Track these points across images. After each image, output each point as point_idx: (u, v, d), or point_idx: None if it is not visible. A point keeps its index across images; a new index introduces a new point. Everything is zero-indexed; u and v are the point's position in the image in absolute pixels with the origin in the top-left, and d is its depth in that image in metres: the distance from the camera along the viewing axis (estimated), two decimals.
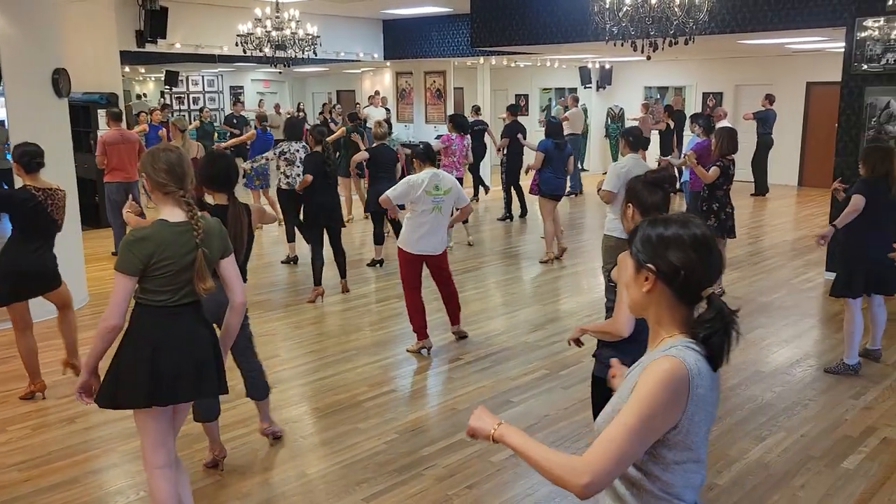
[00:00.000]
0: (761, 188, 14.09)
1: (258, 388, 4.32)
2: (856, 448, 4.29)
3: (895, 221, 5.14)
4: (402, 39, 14.37)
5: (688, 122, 11.97)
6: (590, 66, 17.45)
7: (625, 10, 5.76)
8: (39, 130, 6.73)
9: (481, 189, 13.57)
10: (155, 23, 11.36)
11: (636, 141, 6.34)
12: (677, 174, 11.65)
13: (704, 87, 16.55)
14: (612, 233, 6.08)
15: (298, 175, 8.25)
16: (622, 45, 6.09)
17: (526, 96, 19.57)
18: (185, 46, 12.09)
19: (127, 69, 20.05)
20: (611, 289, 3.32)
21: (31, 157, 4.81)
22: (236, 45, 9.67)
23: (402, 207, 6.19)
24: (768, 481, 3.95)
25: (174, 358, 2.99)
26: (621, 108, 17.55)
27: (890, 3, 7.35)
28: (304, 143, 8.45)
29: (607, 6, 5.87)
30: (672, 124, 12.90)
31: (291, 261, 8.93)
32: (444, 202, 5.70)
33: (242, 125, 17.15)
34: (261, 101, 21.32)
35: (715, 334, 1.66)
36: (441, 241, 5.85)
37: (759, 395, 5.03)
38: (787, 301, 7.26)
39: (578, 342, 3.32)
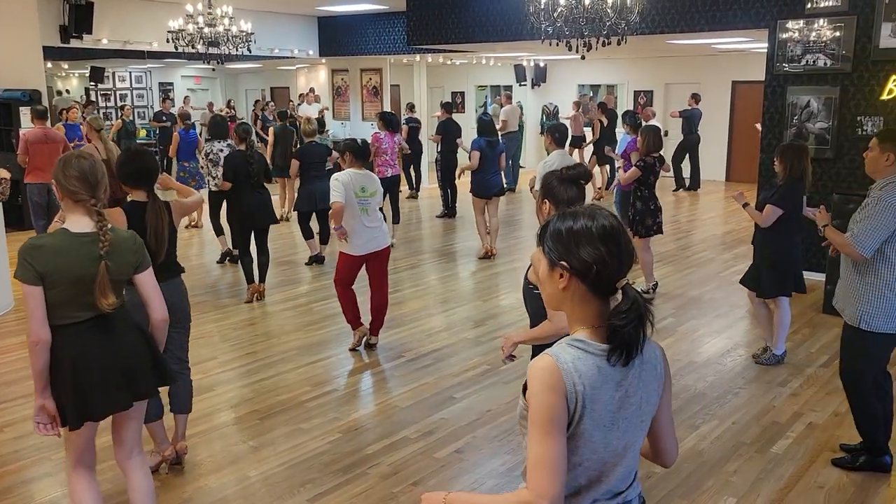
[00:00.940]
0: (690, 183, 14.49)
1: (184, 401, 4.14)
2: (784, 433, 4.48)
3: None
4: (337, 36, 14.28)
5: (619, 119, 12.29)
6: (525, 63, 17.66)
7: (559, 10, 5.86)
8: None
9: (410, 187, 13.64)
10: (80, 18, 11.00)
11: (562, 137, 6.44)
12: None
13: (636, 85, 16.95)
14: None
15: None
16: (557, 44, 6.19)
17: (462, 94, 19.68)
18: (112, 42, 11.75)
19: (49, 64, 19.31)
20: (530, 293, 3.16)
21: None
22: (167, 41, 9.44)
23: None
24: (703, 468, 4.09)
25: (94, 375, 2.88)
26: (556, 106, 17.82)
27: (809, 6, 7.68)
28: (228, 142, 8.26)
29: (542, 6, 5.96)
30: (605, 122, 13.18)
31: (226, 257, 8.76)
32: (370, 204, 5.59)
33: (172, 122, 16.69)
34: (186, 97, 20.78)
35: (629, 324, 1.66)
36: (384, 233, 5.77)
37: (693, 385, 5.21)
38: (717, 293, 7.52)
39: (512, 357, 3.22)
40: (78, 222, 2.87)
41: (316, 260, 8.71)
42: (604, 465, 1.73)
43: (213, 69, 11.72)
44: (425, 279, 8.27)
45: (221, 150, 8.18)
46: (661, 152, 7.22)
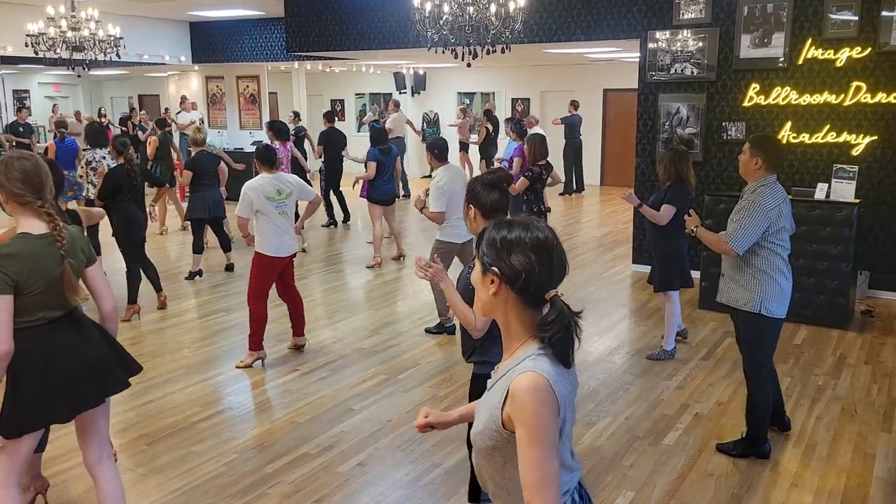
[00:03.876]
0: (575, 187, 14.99)
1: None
2: (673, 425, 4.68)
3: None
4: (211, 42, 13.79)
5: (502, 125, 12.56)
6: (405, 71, 17.72)
7: (445, 18, 5.90)
8: None
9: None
10: None
11: (441, 152, 6.46)
12: None
13: (513, 93, 17.37)
14: (447, 238, 6.18)
15: None
16: (443, 52, 6.24)
17: (342, 101, 19.51)
18: None
19: None
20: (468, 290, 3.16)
21: None
22: (26, 45, 8.78)
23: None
24: (601, 464, 4.20)
25: (73, 368, 2.90)
26: (436, 113, 17.98)
27: (675, 18, 8.11)
28: (109, 150, 7.92)
29: (427, 14, 5.98)
30: (491, 129, 13.44)
31: None
32: (286, 205, 5.62)
33: (29, 134, 15.59)
34: (54, 105, 19.55)
35: (556, 335, 1.71)
36: (292, 242, 5.77)
37: (586, 383, 5.35)
38: (601, 293, 7.79)
39: (430, 268, 3.09)
40: (31, 225, 2.83)
41: (197, 273, 8.39)
42: (573, 457, 1.87)
43: (79, 76, 11.00)
44: (315, 290, 8.09)
45: (104, 158, 7.83)
46: (548, 159, 7.42)
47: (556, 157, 15.42)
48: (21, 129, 15.25)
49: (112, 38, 8.91)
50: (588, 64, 15.60)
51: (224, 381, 5.49)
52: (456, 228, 6.05)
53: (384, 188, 8.86)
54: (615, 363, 5.79)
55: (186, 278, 8.38)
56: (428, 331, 6.47)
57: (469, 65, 6.42)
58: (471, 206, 3.19)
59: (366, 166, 8.84)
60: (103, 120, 17.04)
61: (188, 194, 8.82)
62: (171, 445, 4.46)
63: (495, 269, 1.75)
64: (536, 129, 11.33)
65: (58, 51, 8.69)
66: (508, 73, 17.19)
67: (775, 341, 4.20)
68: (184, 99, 16.12)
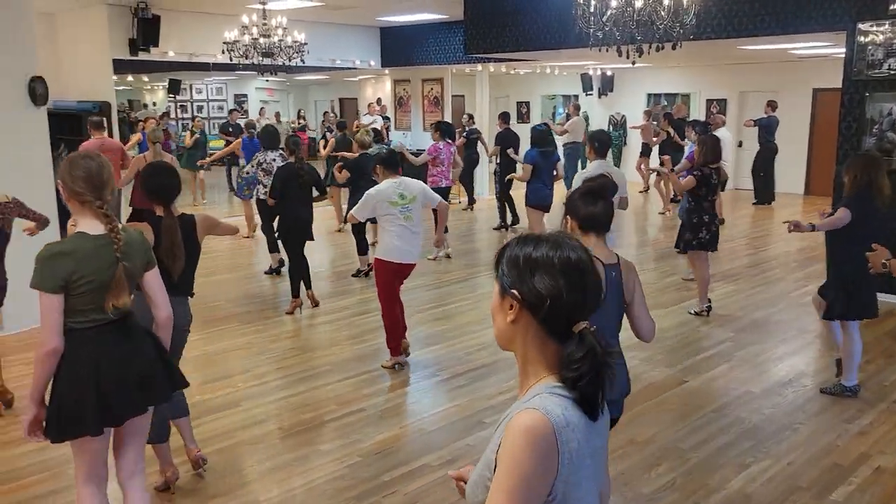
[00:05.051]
0: (766, 196, 13.77)
1: (179, 406, 4.05)
2: (846, 478, 4.01)
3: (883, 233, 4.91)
4: (399, 47, 14.19)
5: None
6: (591, 72, 17.21)
7: (609, 13, 5.52)
8: (14, 140, 6.59)
9: (474, 198, 13.48)
10: (147, 31, 11.24)
11: (602, 146, 6.04)
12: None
13: (708, 93, 16.25)
14: None
15: None
16: (607, 50, 5.84)
17: (527, 103, 19.34)
18: (178, 55, 11.95)
19: (130, 78, 20.03)
20: None
21: None
22: (222, 52, 9.49)
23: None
24: None
25: (116, 376, 2.84)
26: (623, 116, 17.26)
27: (892, 7, 7.08)
28: (280, 152, 8.29)
29: (591, 10, 5.63)
30: (672, 132, 12.63)
31: (275, 271, 8.74)
32: (412, 210, 5.53)
33: (238, 133, 17.06)
34: (262, 108, 21.22)
35: (583, 378, 1.43)
36: (418, 249, 5.69)
37: (747, 418, 4.76)
38: (784, 315, 6.98)
39: None
40: (90, 225, 2.81)
41: (364, 272, 8.59)
42: None
43: (267, 80, 11.84)
44: (474, 294, 7.98)
45: (274, 160, 8.22)
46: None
47: (747, 162, 14.36)
48: (230, 129, 16.69)
49: (297, 44, 9.37)
50: (795, 61, 14.22)
51: (364, 382, 5.50)
52: None
53: (540, 193, 8.45)
54: (786, 397, 5.11)
55: (353, 275, 8.61)
56: None
57: (633, 63, 5.98)
58: (567, 216, 2.96)
59: (522, 168, 8.61)
60: (301, 122, 18.13)
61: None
62: (302, 442, 4.51)
63: (515, 291, 1.50)
64: (721, 131, 10.42)
65: (249, 57, 9.28)
66: (703, 73, 16.11)
67: None
68: (378, 101, 16.75)
